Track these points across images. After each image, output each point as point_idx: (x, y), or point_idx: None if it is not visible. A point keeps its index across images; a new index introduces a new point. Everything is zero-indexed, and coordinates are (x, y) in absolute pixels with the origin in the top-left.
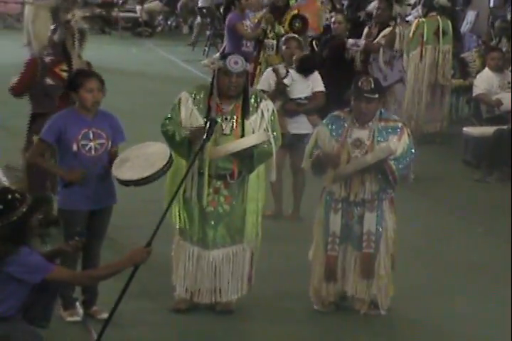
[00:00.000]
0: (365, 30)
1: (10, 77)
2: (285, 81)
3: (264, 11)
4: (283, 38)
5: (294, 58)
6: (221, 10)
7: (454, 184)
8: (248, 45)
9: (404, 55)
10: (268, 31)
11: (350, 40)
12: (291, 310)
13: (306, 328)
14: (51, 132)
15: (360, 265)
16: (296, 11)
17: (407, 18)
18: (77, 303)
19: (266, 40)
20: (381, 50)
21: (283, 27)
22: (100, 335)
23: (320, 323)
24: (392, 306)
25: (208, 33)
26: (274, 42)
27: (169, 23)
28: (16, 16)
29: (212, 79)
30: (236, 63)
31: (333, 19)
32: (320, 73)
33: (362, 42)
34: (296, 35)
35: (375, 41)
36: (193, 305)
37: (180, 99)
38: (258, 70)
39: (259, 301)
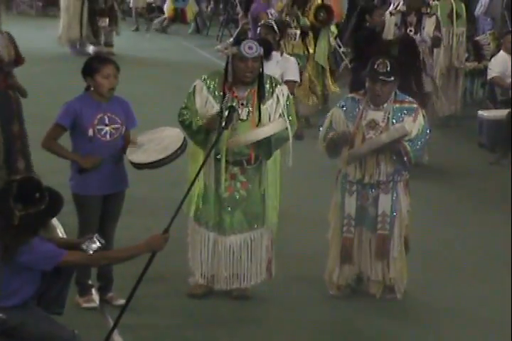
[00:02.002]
0: (391, 17)
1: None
2: None
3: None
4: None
5: None
6: None
7: (469, 167)
8: None
9: None
10: (292, 21)
11: (418, 37)
12: (307, 296)
13: (322, 313)
14: (67, 116)
15: (374, 246)
16: (319, 1)
17: None
18: (93, 290)
19: (289, 30)
20: (442, 42)
21: (307, 17)
22: (117, 321)
23: (335, 308)
24: (407, 290)
25: (221, 18)
26: (298, 31)
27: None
28: (29, 2)
29: (226, 65)
30: (251, 48)
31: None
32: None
33: (427, 38)
34: (269, 23)
35: (430, 34)
36: (209, 290)
37: (194, 88)
38: None
39: (275, 286)
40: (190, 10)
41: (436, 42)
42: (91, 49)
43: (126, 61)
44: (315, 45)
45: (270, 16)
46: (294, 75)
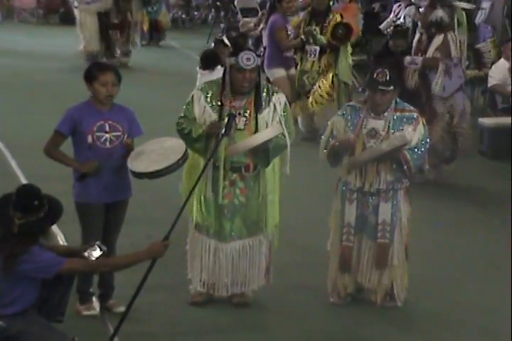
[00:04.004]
0: (417, 36)
1: (21, 68)
2: None
3: (303, 14)
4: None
5: None
6: (235, 2)
7: (469, 174)
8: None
9: None
10: (309, 38)
11: (408, 58)
12: (307, 303)
13: (323, 321)
14: (66, 123)
15: (374, 255)
16: (339, 17)
17: (421, 10)
18: (94, 297)
19: (308, 46)
20: (440, 64)
21: (325, 34)
22: (117, 329)
23: (336, 316)
24: (408, 298)
25: (222, 26)
26: (317, 47)
27: (184, 16)
28: (31, 10)
29: (223, 75)
30: (248, 60)
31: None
32: None
33: (419, 59)
34: (220, 37)
35: (430, 54)
36: (209, 298)
37: (192, 97)
38: (296, 77)
39: (276, 294)
40: (164, 18)
41: (429, 63)
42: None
43: (127, 69)
44: (335, 63)
45: (289, 33)
46: None
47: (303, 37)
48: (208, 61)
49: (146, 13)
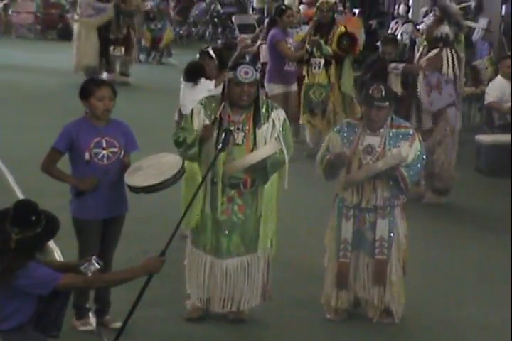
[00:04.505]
0: (420, 49)
1: (19, 83)
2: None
3: (308, 28)
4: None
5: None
6: (232, 19)
7: (466, 191)
8: (291, 64)
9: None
10: (315, 50)
11: (392, 64)
12: (304, 319)
13: (319, 337)
14: (63, 140)
15: (372, 271)
16: (343, 29)
17: (418, 27)
18: (90, 313)
19: (312, 59)
20: (420, 73)
21: (330, 45)
22: None
23: (333, 332)
24: (405, 314)
25: (219, 42)
26: (322, 60)
27: (181, 32)
28: (28, 26)
29: (223, 89)
30: (246, 73)
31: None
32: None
33: (401, 65)
34: (205, 49)
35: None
36: (205, 313)
37: (192, 111)
38: (302, 91)
39: (272, 310)
40: (168, 36)
41: (409, 69)
42: (104, 76)
43: (131, 86)
44: (339, 74)
45: (289, 46)
46: None
47: (308, 47)
48: (192, 74)
49: (147, 29)
